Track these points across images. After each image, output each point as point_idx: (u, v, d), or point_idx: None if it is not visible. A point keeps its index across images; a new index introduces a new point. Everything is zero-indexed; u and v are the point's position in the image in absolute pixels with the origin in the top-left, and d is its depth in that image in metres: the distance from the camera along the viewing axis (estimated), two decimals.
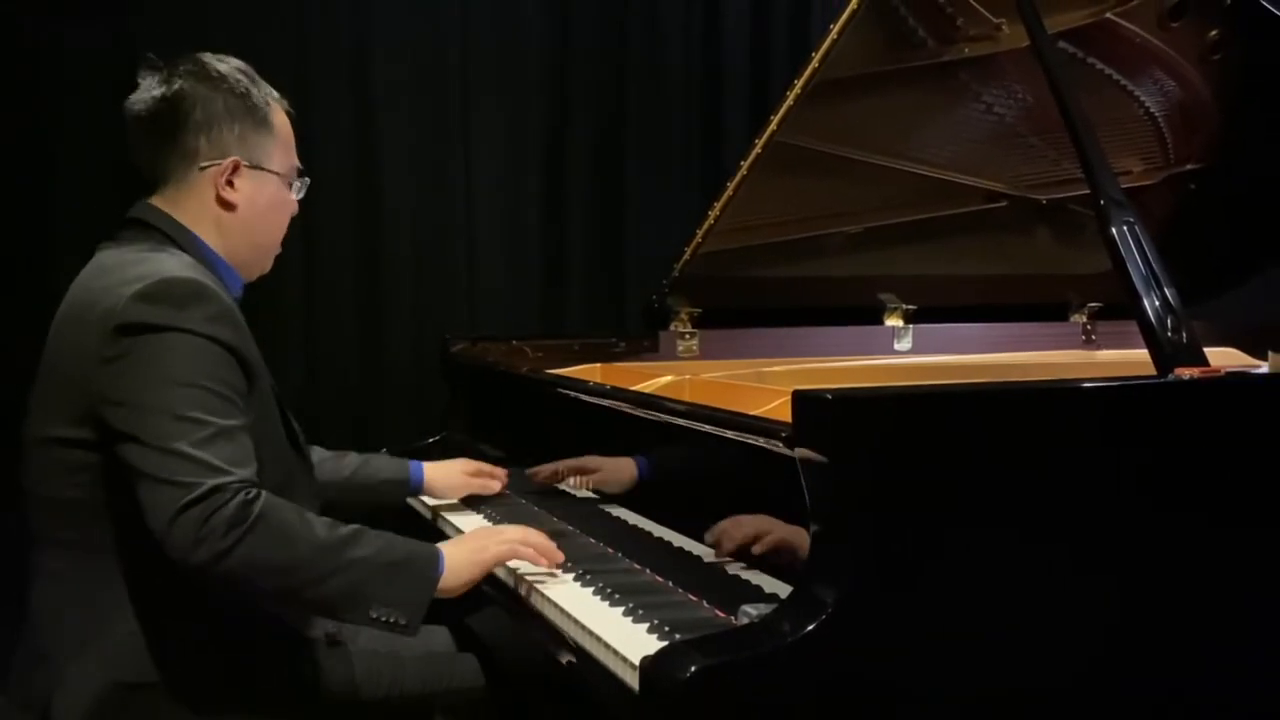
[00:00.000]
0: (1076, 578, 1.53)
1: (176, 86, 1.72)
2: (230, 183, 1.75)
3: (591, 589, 1.69)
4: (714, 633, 1.41)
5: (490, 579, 1.85)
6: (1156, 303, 1.76)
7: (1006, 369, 2.80)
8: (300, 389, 3.29)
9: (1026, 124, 2.66)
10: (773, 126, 2.47)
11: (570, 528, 2.03)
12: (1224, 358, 2.67)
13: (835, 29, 2.32)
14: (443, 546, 1.69)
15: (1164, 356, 1.71)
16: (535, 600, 1.72)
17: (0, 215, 3.06)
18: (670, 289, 2.84)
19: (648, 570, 1.78)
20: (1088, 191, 1.89)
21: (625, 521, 2.06)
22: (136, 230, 1.74)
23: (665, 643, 1.41)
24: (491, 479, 2.34)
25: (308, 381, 3.38)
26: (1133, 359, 2.37)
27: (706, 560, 1.78)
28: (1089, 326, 3.17)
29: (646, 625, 1.52)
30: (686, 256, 2.74)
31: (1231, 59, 2.55)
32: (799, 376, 2.60)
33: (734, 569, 1.72)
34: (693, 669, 1.30)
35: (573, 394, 2.27)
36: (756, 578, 1.67)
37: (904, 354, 3.01)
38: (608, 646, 1.48)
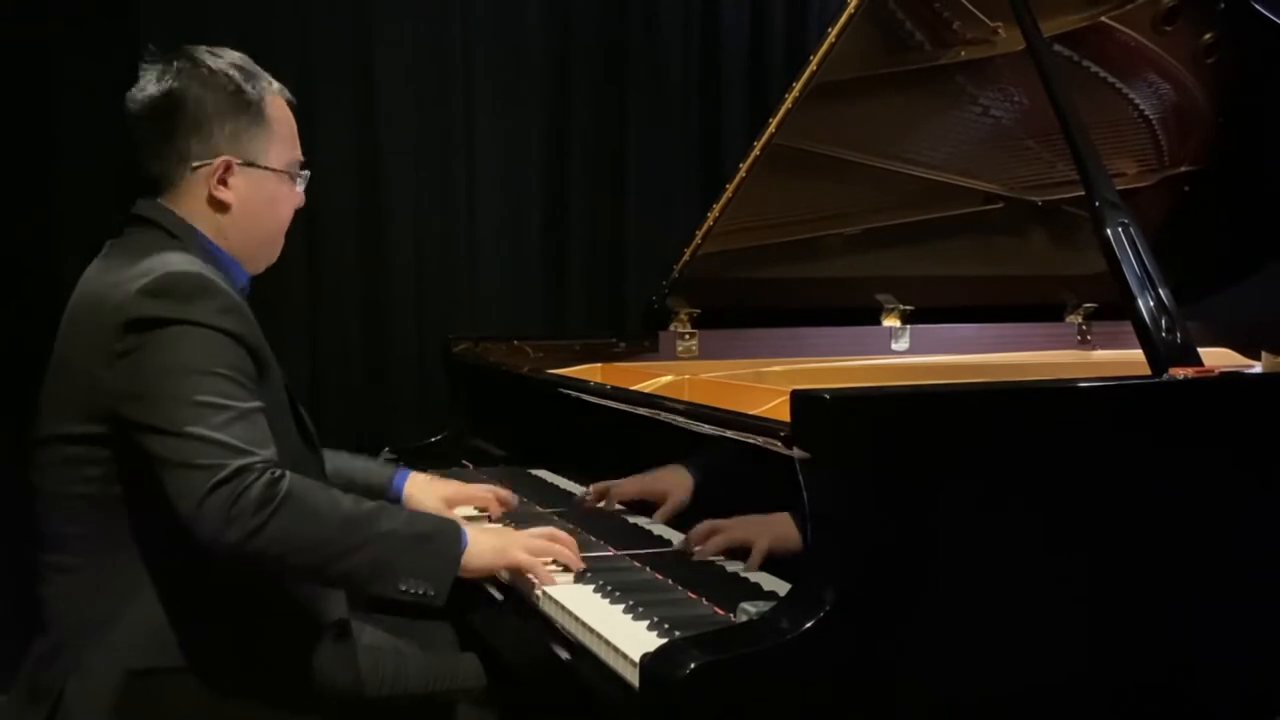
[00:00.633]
0: (1072, 575, 1.54)
1: (168, 85, 1.72)
2: (224, 182, 1.75)
3: (592, 586, 1.70)
4: (713, 630, 1.43)
5: (492, 577, 1.88)
6: (1151, 303, 1.78)
7: (1003, 369, 2.81)
8: (304, 388, 3.30)
9: (1022, 127, 2.67)
10: (771, 129, 2.48)
11: (571, 526, 2.05)
12: (1218, 357, 2.68)
13: (833, 32, 2.33)
14: (468, 528, 1.70)
15: (1159, 356, 1.73)
16: (536, 598, 1.73)
17: (4, 212, 3.07)
18: (670, 290, 2.85)
19: (648, 568, 1.79)
20: (1083, 193, 1.91)
21: (625, 520, 2.07)
22: (141, 227, 1.75)
23: (665, 640, 1.42)
24: (484, 502, 2.20)
25: (311, 381, 3.38)
26: (1128, 359, 2.38)
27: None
28: (1084, 327, 3.18)
29: (647, 622, 1.53)
30: (686, 258, 2.75)
31: (1225, 62, 2.57)
32: (797, 376, 2.61)
33: (733, 567, 1.73)
34: (692, 666, 1.31)
35: (573, 394, 2.28)
36: (755, 575, 1.68)
37: (901, 354, 3.03)
38: (608, 643, 1.49)
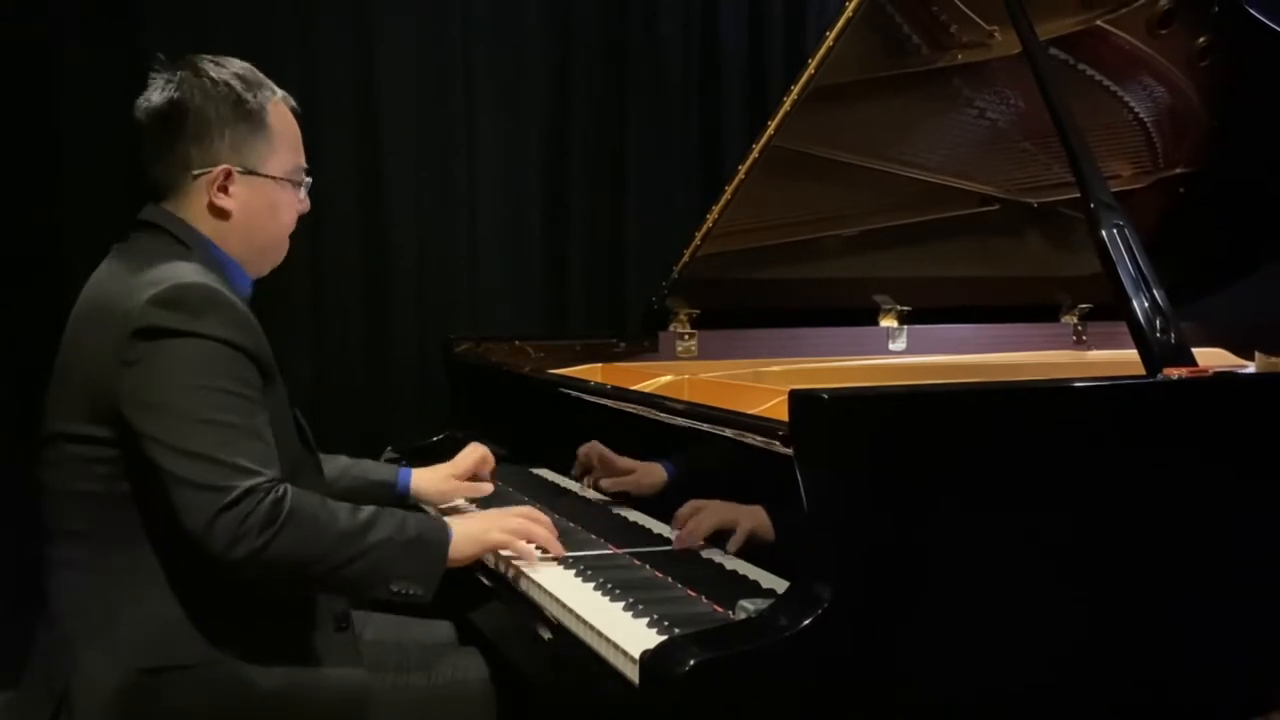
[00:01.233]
0: (1068, 574, 1.56)
1: (171, 95, 1.74)
2: (225, 189, 1.77)
3: (592, 584, 1.72)
4: (712, 627, 1.45)
5: (493, 574, 1.89)
6: (1146, 304, 1.79)
7: (999, 369, 2.83)
8: (305, 389, 3.31)
9: (1018, 129, 2.69)
10: (770, 131, 2.49)
11: (571, 524, 2.06)
12: (1212, 358, 2.70)
13: (831, 35, 2.34)
14: (450, 521, 1.81)
15: (1153, 356, 1.74)
16: (537, 595, 1.74)
17: (11, 216, 3.07)
18: (669, 291, 2.87)
19: (647, 566, 1.81)
20: (1078, 195, 1.92)
21: (625, 518, 2.09)
22: (148, 232, 1.76)
23: (665, 637, 1.43)
24: (480, 480, 2.29)
25: (313, 381, 3.38)
26: (1122, 359, 2.39)
27: (703, 555, 1.81)
28: (1080, 327, 3.20)
29: (646, 620, 1.54)
30: (685, 259, 2.77)
31: (1219, 65, 2.58)
32: (796, 376, 2.63)
33: (731, 564, 1.75)
34: (691, 662, 1.33)
35: (574, 393, 2.30)
36: (754, 573, 1.70)
37: (899, 354, 3.05)
38: (608, 640, 1.50)
